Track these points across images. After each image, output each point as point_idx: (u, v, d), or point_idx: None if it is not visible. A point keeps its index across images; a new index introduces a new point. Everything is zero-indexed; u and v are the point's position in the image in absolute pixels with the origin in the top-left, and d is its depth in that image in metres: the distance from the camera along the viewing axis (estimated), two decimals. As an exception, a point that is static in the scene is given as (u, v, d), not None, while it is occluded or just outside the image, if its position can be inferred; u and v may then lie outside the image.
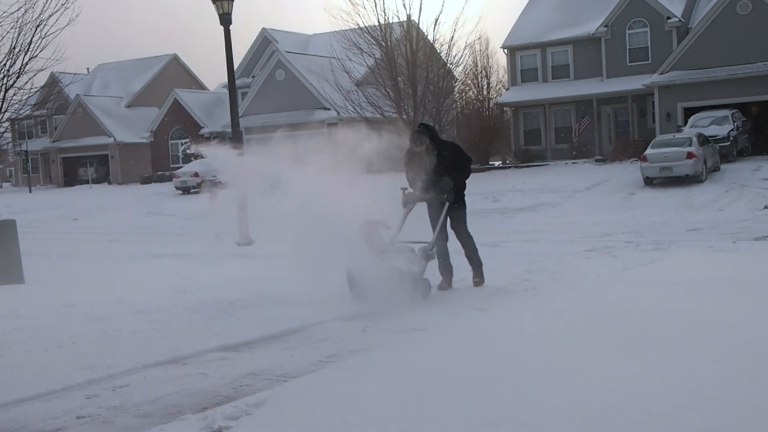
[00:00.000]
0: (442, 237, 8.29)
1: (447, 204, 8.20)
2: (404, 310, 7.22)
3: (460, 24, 43.40)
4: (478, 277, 8.60)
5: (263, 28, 45.86)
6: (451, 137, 37.01)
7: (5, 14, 13.22)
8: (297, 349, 5.94)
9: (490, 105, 42.76)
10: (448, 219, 8.34)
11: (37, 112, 25.72)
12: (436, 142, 8.35)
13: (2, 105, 13.87)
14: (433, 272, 8.20)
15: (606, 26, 33.77)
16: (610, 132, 34.68)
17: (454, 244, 8.56)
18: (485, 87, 44.19)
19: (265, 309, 7.52)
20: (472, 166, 8.67)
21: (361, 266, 7.63)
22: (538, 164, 32.41)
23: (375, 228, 7.80)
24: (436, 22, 30.01)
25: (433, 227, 8.21)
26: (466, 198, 8.59)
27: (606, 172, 27.09)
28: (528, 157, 34.46)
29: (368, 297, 7.47)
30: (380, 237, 7.85)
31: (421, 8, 31.54)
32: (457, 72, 33.91)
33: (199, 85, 55.46)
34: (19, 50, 13.57)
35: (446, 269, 8.47)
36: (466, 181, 8.56)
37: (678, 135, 24.84)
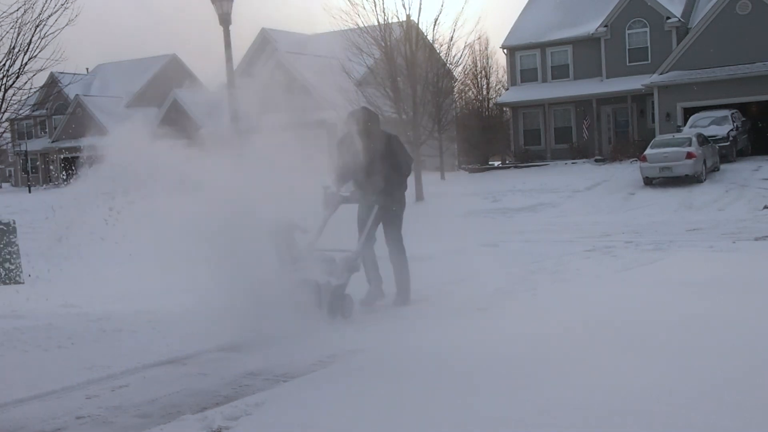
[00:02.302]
0: (369, 241, 7.22)
1: (376, 207, 7.15)
2: (404, 310, 7.21)
3: (460, 24, 43.20)
4: (401, 297, 7.43)
5: (263, 28, 45.75)
6: (451, 137, 37.10)
7: (5, 14, 13.20)
8: (297, 349, 5.93)
9: (490, 105, 42.84)
10: (381, 224, 7.33)
11: (36, 112, 25.74)
12: (376, 130, 7.24)
13: (2, 105, 13.86)
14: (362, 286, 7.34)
15: (606, 26, 33.79)
16: (609, 132, 34.70)
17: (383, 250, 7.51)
18: (485, 87, 44.29)
19: (264, 309, 7.49)
20: (414, 169, 7.24)
21: (269, 280, 6.62)
22: (537, 164, 32.44)
23: (289, 233, 6.81)
24: (435, 23, 29.94)
25: (360, 232, 7.19)
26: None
27: (606, 172, 27.12)
28: (528, 157, 34.49)
29: (278, 317, 6.44)
30: (295, 243, 6.86)
31: (420, 8, 31.40)
32: (457, 72, 33.86)
33: (199, 86, 55.39)
34: (19, 50, 13.56)
35: (374, 277, 7.45)
36: (407, 181, 7.51)
37: (678, 135, 24.85)
